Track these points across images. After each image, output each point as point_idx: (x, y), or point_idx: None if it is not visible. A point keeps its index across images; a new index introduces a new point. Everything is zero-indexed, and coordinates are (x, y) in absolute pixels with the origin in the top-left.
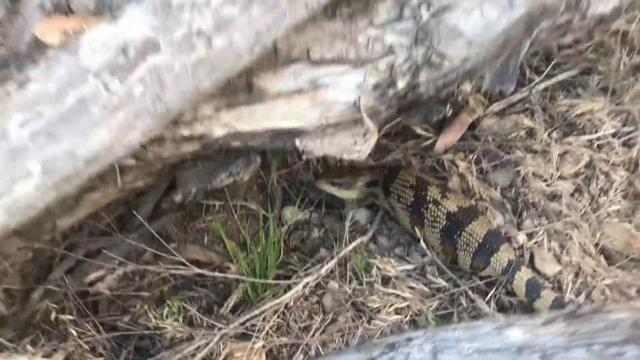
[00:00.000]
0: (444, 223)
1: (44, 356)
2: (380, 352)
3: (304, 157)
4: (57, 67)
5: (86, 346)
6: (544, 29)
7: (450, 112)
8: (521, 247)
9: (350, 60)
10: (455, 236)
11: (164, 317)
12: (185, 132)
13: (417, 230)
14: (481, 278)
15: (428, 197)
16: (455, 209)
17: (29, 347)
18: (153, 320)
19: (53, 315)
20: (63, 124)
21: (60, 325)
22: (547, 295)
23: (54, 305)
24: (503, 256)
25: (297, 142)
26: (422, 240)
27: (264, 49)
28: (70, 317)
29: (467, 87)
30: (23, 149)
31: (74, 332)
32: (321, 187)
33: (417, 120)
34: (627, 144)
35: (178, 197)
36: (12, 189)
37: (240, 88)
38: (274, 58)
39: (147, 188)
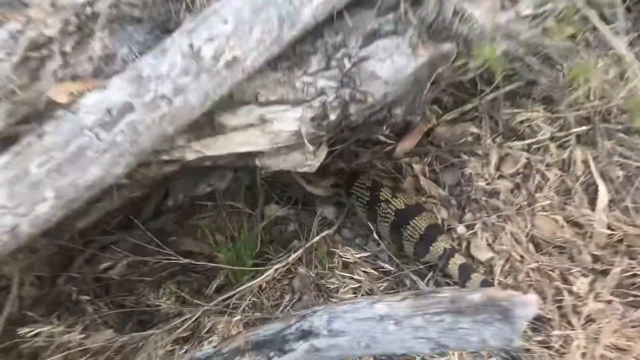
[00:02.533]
0: (393, 218)
1: (65, 329)
2: (295, 320)
3: (263, 172)
4: (64, 124)
5: (99, 320)
6: (445, 70)
7: (388, 131)
8: (459, 237)
9: (290, 101)
10: (402, 229)
11: (161, 298)
12: (165, 157)
13: (371, 224)
14: (422, 263)
15: (381, 197)
16: (403, 207)
17: (55, 321)
18: (152, 300)
19: (74, 296)
20: (68, 163)
21: (80, 304)
22: (476, 278)
23: (75, 288)
24: (440, 245)
25: (257, 161)
26: (375, 233)
27: (213, 103)
28: (87, 297)
29: (397, 111)
30: (40, 182)
31: (90, 309)
32: (294, 177)
33: (362, 137)
34: (562, 146)
35: (170, 202)
36: (34, 209)
37: (205, 124)
38: (230, 102)
39: (144, 196)
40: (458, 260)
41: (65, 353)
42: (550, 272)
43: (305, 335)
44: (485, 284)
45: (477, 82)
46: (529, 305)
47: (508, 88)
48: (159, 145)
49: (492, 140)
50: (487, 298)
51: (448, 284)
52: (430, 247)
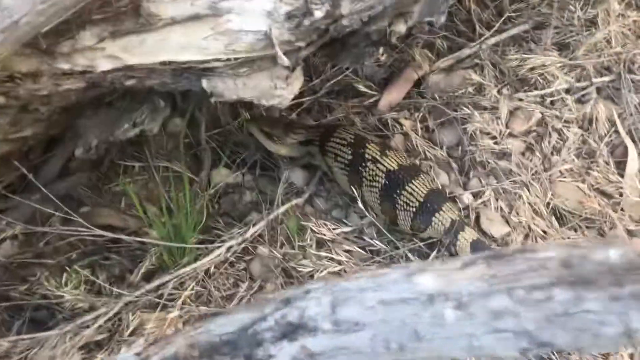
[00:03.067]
0: (383, 182)
1: None
2: (274, 308)
3: (213, 100)
4: None
5: None
6: None
7: (384, 56)
8: (466, 207)
9: None
10: (395, 195)
11: (65, 286)
12: (64, 65)
13: (355, 190)
14: (422, 240)
15: (367, 155)
16: (396, 167)
17: None
18: (53, 289)
19: None
20: None
21: None
22: None
23: None
24: (446, 216)
25: (205, 82)
26: (360, 201)
27: None
28: None
29: (400, 27)
30: None
31: None
32: (250, 131)
33: (348, 63)
34: (581, 100)
35: (79, 151)
36: None
37: (125, 13)
38: None
39: (43, 144)
40: (469, 235)
41: None
42: None
43: (291, 330)
44: None
45: (474, 24)
46: None
47: (512, 31)
48: (46, 19)
49: (497, 91)
50: (632, 258)
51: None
52: (433, 219)
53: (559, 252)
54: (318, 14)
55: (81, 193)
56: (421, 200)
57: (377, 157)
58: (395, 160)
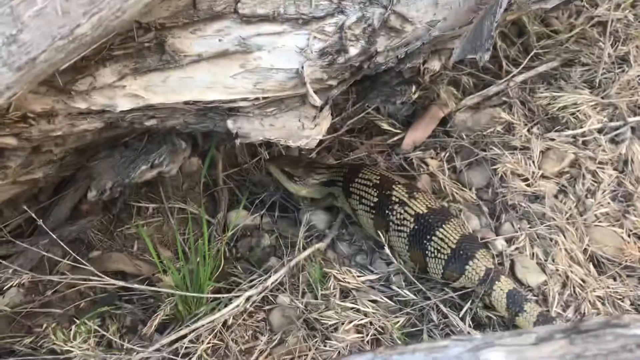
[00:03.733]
0: (411, 226)
1: None
2: None
3: (238, 142)
4: None
5: None
6: None
7: (417, 95)
8: (500, 254)
9: (289, 18)
10: (425, 241)
11: (73, 339)
12: (81, 104)
13: (381, 234)
14: (455, 289)
15: (393, 198)
16: (425, 210)
17: None
18: (60, 343)
19: None
20: None
21: None
22: (532, 309)
23: None
24: (480, 264)
25: (230, 123)
26: (387, 246)
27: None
28: None
29: (435, 64)
30: None
31: None
32: (269, 170)
33: (378, 102)
34: (615, 141)
35: (91, 194)
36: None
37: (148, 47)
38: (192, 11)
39: (51, 181)
40: (505, 285)
41: None
42: (620, 301)
43: None
44: (544, 318)
45: (501, 61)
46: None
47: (540, 68)
48: (65, 56)
49: (527, 130)
50: None
51: (489, 319)
52: (467, 267)
53: None
54: (353, 50)
55: (92, 236)
56: (453, 246)
57: (405, 199)
58: (425, 203)
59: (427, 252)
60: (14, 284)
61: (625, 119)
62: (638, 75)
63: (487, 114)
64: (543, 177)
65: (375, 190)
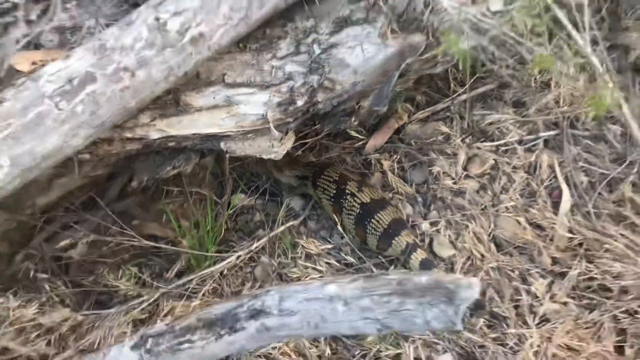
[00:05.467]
0: (357, 211)
1: (21, 304)
2: (248, 300)
3: (227, 155)
4: (24, 91)
5: (56, 298)
6: (414, 63)
7: (356, 122)
8: (423, 233)
9: (257, 84)
10: (366, 222)
11: (120, 279)
12: (128, 134)
13: (336, 217)
14: (385, 257)
15: (347, 190)
16: (368, 201)
17: (10, 297)
18: (112, 280)
19: (32, 274)
20: (26, 131)
21: (37, 281)
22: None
23: (33, 266)
24: (402, 240)
25: (222, 144)
26: (339, 225)
27: (177, 79)
28: (45, 276)
29: (365, 104)
30: None
31: (47, 287)
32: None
33: (330, 127)
34: (530, 150)
35: (134, 183)
36: None
37: (170, 103)
38: (196, 80)
39: (108, 176)
40: (420, 255)
41: (18, 327)
42: (510, 272)
43: (256, 314)
44: None
45: (450, 82)
46: (473, 287)
47: (480, 89)
48: (120, 119)
49: (461, 140)
50: (434, 280)
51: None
52: (393, 242)
53: (397, 276)
54: (300, 102)
55: (134, 210)
56: (385, 227)
57: (355, 192)
58: (369, 195)
59: (367, 230)
60: (82, 242)
61: (539, 133)
62: (554, 98)
63: (432, 126)
64: (467, 177)
65: (334, 184)
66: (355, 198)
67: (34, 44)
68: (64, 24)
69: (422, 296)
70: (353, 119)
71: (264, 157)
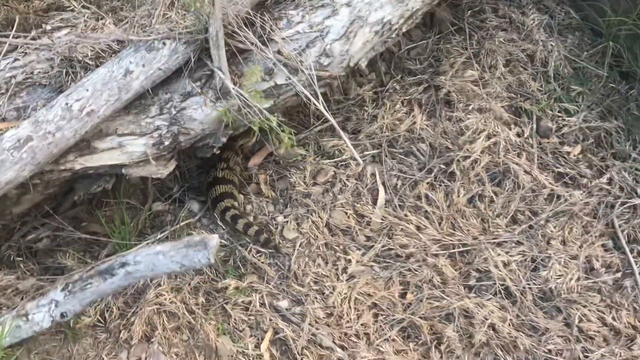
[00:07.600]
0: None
1: (5, 276)
2: (119, 258)
3: (127, 177)
4: None
5: (28, 273)
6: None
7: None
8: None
9: (138, 133)
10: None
11: (68, 259)
12: (62, 167)
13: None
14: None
15: (214, 190)
16: (221, 193)
17: None
18: (64, 261)
19: (12, 258)
20: None
21: (16, 263)
22: (241, 222)
23: (14, 253)
24: (223, 204)
25: (124, 169)
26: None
27: (81, 136)
28: (21, 259)
29: (224, 138)
30: None
31: (22, 266)
32: None
33: (201, 154)
34: (359, 164)
35: (75, 197)
36: None
37: (84, 147)
38: (100, 134)
39: (65, 192)
40: (232, 213)
41: (3, 290)
42: (335, 247)
43: (123, 265)
44: (248, 225)
45: (310, 116)
46: (214, 238)
47: (326, 123)
48: (51, 159)
49: (313, 159)
50: (200, 238)
51: (223, 228)
52: (218, 205)
53: (188, 238)
54: (167, 142)
55: (82, 215)
56: (216, 195)
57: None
58: (221, 191)
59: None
60: (45, 237)
61: (367, 151)
62: (379, 126)
63: (295, 150)
64: (315, 184)
65: (211, 186)
66: (215, 188)
67: (2, 118)
68: (19, 105)
69: (195, 246)
70: (214, 149)
71: (153, 176)
